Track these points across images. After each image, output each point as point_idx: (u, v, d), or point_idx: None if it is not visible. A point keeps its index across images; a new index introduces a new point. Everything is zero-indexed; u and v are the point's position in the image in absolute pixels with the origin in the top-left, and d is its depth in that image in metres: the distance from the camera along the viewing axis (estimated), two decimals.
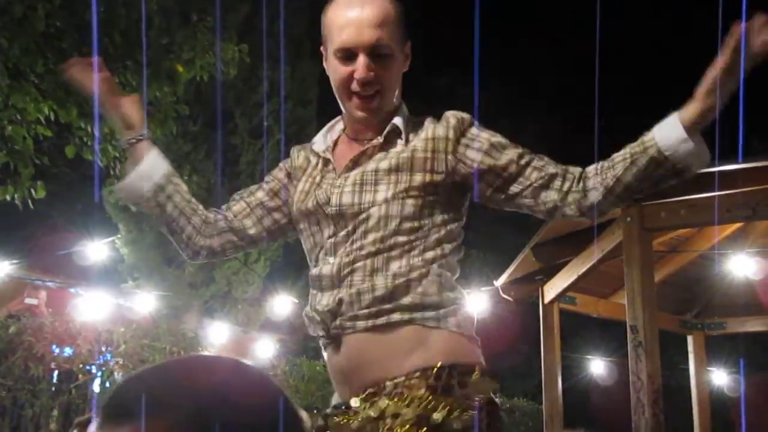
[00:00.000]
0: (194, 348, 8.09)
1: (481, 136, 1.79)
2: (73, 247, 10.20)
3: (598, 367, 11.87)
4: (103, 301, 8.62)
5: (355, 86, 1.77)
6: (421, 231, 1.74)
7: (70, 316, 7.85)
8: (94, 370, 7.43)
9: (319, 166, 1.89)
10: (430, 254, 1.73)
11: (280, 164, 2.01)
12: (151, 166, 1.91)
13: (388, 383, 1.65)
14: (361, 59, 1.74)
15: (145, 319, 8.74)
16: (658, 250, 6.73)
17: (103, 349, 7.52)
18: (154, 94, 6.19)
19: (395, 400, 1.61)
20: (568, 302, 7.36)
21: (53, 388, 7.14)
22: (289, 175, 1.96)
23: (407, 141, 1.80)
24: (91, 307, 8.33)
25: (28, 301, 10.47)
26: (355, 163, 1.82)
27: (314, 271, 1.81)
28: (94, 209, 12.17)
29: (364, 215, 1.73)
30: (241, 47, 6.67)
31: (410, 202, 1.73)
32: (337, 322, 1.74)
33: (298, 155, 1.97)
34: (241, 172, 11.87)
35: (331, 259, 1.77)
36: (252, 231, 1.96)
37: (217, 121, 11.23)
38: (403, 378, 1.64)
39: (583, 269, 6.25)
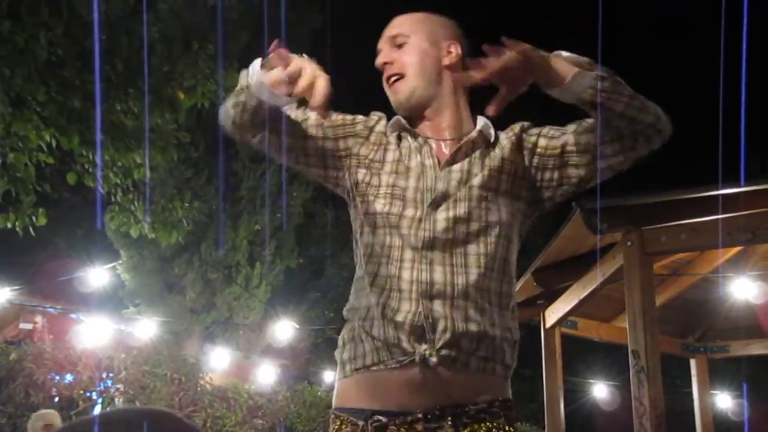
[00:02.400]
0: (195, 374, 8.06)
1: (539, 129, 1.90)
2: (75, 272, 10.20)
3: (600, 391, 11.83)
4: (104, 327, 8.62)
5: (385, 73, 1.90)
6: (507, 266, 1.83)
7: (70, 342, 7.84)
8: (94, 397, 7.41)
9: (412, 145, 1.83)
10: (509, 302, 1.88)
11: (358, 117, 1.90)
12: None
13: (471, 407, 1.69)
14: (382, 49, 1.90)
15: (146, 345, 8.73)
16: (660, 273, 6.72)
17: (104, 375, 7.50)
18: (156, 121, 6.23)
19: (474, 424, 1.68)
20: (570, 326, 7.34)
21: None
22: (368, 135, 1.87)
23: (495, 141, 1.86)
24: (92, 334, 8.33)
25: (23, 326, 10.43)
26: (454, 158, 1.81)
27: (403, 273, 1.71)
28: (96, 235, 12.19)
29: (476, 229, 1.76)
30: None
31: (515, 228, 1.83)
32: (444, 352, 1.67)
33: (378, 122, 1.90)
34: (242, 197, 11.91)
35: (434, 268, 1.70)
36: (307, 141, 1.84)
37: (218, 147, 11.27)
38: (485, 405, 1.70)
39: (585, 293, 6.24)
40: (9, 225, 5.92)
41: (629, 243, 5.18)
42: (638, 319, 5.02)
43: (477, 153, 1.81)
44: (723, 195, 4.75)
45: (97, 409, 7.35)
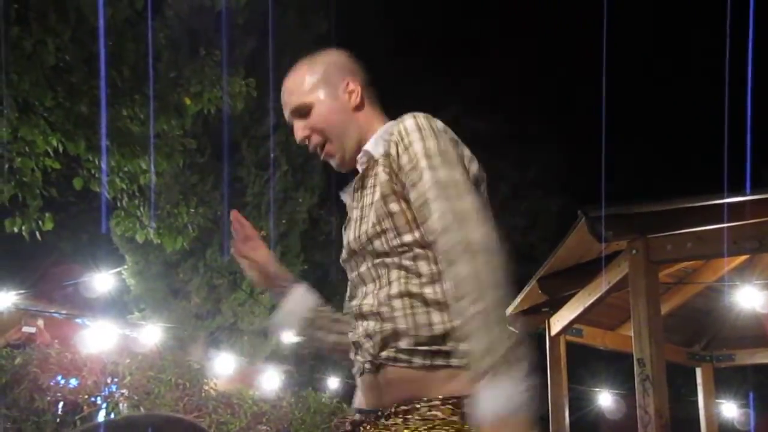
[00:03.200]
0: (199, 380, 8.06)
1: (411, 150, 1.73)
2: (80, 277, 10.23)
3: (605, 399, 11.79)
4: (109, 332, 8.64)
5: (310, 148, 1.92)
6: None
7: (76, 347, 7.85)
8: (99, 402, 7.40)
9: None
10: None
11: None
12: (295, 304, 2.02)
13: (422, 404, 1.64)
14: (292, 124, 1.91)
15: (150, 350, 8.73)
16: (665, 281, 6.71)
17: (109, 380, 7.50)
18: (162, 127, 6.24)
19: (426, 422, 1.61)
20: (575, 334, 7.33)
21: (58, 420, 7.11)
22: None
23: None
24: (98, 338, 8.35)
25: (26, 329, 10.47)
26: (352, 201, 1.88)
27: None
28: (101, 240, 12.22)
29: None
30: (249, 81, 6.74)
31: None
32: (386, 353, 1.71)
33: None
34: (248, 203, 11.93)
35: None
36: None
37: (224, 153, 11.30)
38: (438, 402, 1.63)
39: (590, 301, 6.22)
40: (15, 229, 5.94)
41: (634, 251, 5.17)
42: (643, 327, 5.01)
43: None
44: (729, 203, 4.75)
45: (102, 414, 7.35)
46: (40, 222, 5.99)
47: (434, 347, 1.64)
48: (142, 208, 6.64)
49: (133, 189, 6.47)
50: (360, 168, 1.85)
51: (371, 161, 1.81)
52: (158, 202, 7.04)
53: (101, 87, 5.61)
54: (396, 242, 1.71)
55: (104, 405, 7.40)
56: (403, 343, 1.66)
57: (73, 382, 7.30)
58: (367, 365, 1.72)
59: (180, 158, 6.60)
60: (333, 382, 11.93)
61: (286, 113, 1.92)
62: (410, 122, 1.73)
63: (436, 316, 1.65)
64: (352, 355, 1.80)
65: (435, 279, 1.67)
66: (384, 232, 1.72)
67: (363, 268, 1.79)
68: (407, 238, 1.70)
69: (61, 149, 5.86)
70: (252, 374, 10.80)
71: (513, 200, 18.82)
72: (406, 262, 1.70)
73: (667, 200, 5.21)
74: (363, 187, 1.81)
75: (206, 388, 8.11)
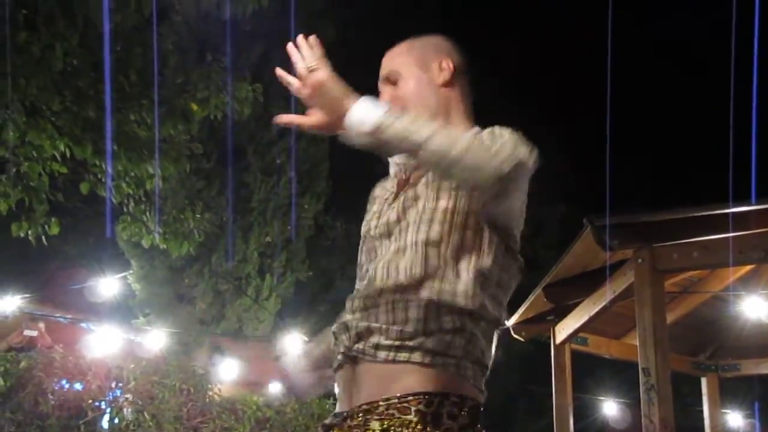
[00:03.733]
0: (204, 385, 8.06)
1: None
2: (86, 282, 10.24)
3: (610, 408, 11.76)
4: (114, 337, 8.64)
5: None
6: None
7: (80, 351, 7.86)
8: (103, 407, 7.41)
9: None
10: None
11: None
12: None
13: (381, 403, 1.61)
14: (382, 91, 1.92)
15: (155, 355, 8.73)
16: (671, 290, 6.69)
17: (113, 385, 7.51)
18: (169, 131, 6.25)
19: (383, 421, 1.58)
20: (580, 343, 7.31)
21: (62, 424, 7.11)
22: None
23: None
24: (102, 343, 8.35)
25: (27, 332, 10.48)
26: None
27: None
28: (107, 244, 12.24)
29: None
30: (255, 87, 6.75)
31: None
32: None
33: None
34: (254, 209, 11.94)
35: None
36: None
37: (229, 159, 11.32)
38: (396, 400, 1.59)
39: (595, 310, 6.22)
40: (22, 234, 5.96)
41: (640, 260, 5.16)
42: (649, 336, 5.00)
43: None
44: (735, 213, 4.74)
45: (106, 419, 7.35)
46: (46, 226, 6.01)
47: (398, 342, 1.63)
48: (148, 213, 6.65)
49: (139, 194, 6.48)
50: None
51: None
52: (164, 207, 7.05)
53: (109, 92, 5.63)
54: None
55: (108, 410, 7.41)
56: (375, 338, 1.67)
57: (78, 386, 7.31)
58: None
59: (187, 163, 6.61)
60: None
61: (380, 84, 1.94)
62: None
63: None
64: None
65: None
66: None
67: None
68: None
69: (68, 154, 5.87)
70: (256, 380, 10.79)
71: None
72: None
73: (673, 209, 5.20)
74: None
75: (210, 393, 8.11)
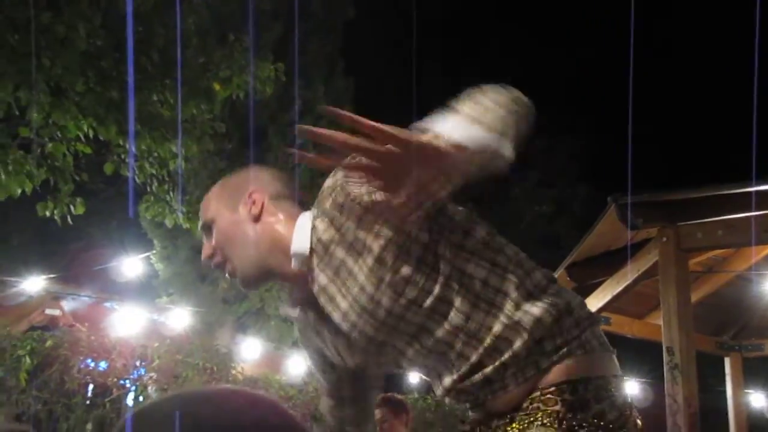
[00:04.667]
0: (227, 364, 8.12)
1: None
2: (109, 262, 10.33)
3: (633, 388, 11.74)
4: (138, 316, 8.72)
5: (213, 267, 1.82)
6: None
7: (105, 330, 7.93)
8: (128, 385, 7.48)
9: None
10: None
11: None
12: None
13: (524, 402, 1.59)
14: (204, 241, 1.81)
15: (179, 334, 8.80)
16: (695, 270, 6.65)
17: (138, 364, 7.58)
18: (191, 111, 6.27)
19: (529, 419, 1.56)
20: (603, 322, 7.29)
21: (88, 402, 7.20)
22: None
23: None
24: (126, 322, 8.43)
25: (49, 311, 10.58)
26: None
27: None
28: (130, 225, 12.33)
29: None
30: (278, 66, 6.75)
31: None
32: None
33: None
34: None
35: None
36: None
37: (251, 139, 11.33)
38: (538, 393, 1.57)
39: (618, 289, 6.20)
40: (48, 213, 6.01)
41: (664, 239, 5.13)
42: (673, 316, 4.98)
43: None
44: (759, 191, 4.69)
45: (131, 397, 7.43)
46: (71, 206, 6.05)
47: None
48: (171, 193, 6.68)
49: (162, 174, 6.51)
50: (300, 269, 1.67)
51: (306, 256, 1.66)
52: (187, 186, 7.09)
53: (132, 72, 5.65)
54: None
55: (133, 388, 7.48)
56: None
57: (103, 365, 7.39)
58: None
59: (210, 142, 6.63)
60: None
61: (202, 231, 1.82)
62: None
63: None
64: None
65: None
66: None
67: None
68: None
69: (91, 134, 5.91)
70: (278, 359, 10.86)
71: (540, 188, 18.74)
72: None
73: (698, 188, 5.16)
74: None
75: (233, 372, 8.17)
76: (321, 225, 1.62)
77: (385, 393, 4.53)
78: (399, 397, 4.67)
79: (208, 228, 1.78)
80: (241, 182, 1.79)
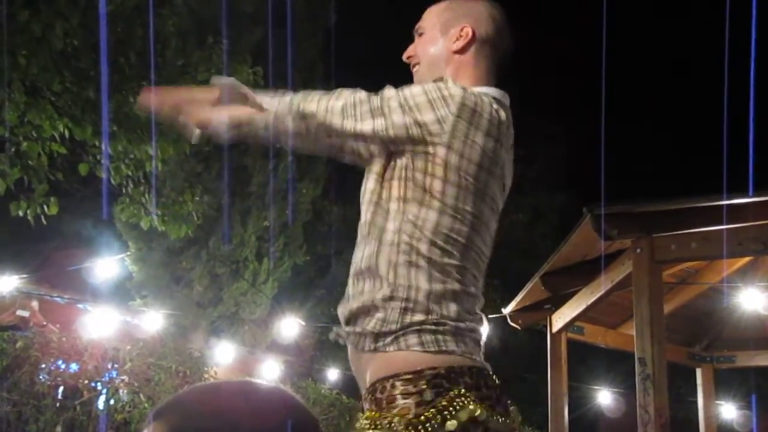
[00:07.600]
0: (200, 368, 8.08)
1: None
2: (83, 262, 10.23)
3: (605, 398, 11.80)
4: (111, 318, 8.64)
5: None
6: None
7: (77, 332, 7.86)
8: (99, 387, 7.42)
9: None
10: None
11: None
12: None
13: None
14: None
15: (152, 337, 8.74)
16: (668, 281, 6.70)
17: (109, 366, 7.52)
18: None
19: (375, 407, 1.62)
20: (576, 332, 7.33)
21: (58, 404, 7.13)
22: None
23: None
24: (99, 324, 8.35)
25: (20, 312, 10.46)
26: None
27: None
28: (104, 226, 12.22)
29: None
30: (256, 70, 6.73)
31: None
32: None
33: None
34: (252, 193, 11.92)
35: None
36: None
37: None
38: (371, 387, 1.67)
39: (592, 299, 6.23)
40: (21, 213, 5.94)
41: (639, 250, 5.16)
42: (645, 326, 5.01)
43: None
44: (734, 205, 4.74)
45: (102, 400, 7.37)
46: (45, 206, 5.99)
47: None
48: (146, 195, 6.64)
49: (138, 176, 6.47)
50: None
51: None
52: (163, 189, 7.04)
53: (106, 73, 5.61)
54: None
55: (104, 390, 7.42)
56: None
57: (74, 366, 7.32)
58: None
59: (187, 144, 6.59)
60: (332, 374, 11.94)
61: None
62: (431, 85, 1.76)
63: None
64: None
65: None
66: None
67: None
68: None
69: (67, 134, 5.86)
70: (252, 363, 10.82)
71: (516, 196, 18.79)
72: None
73: (672, 200, 5.20)
74: None
75: (206, 376, 8.13)
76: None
77: None
78: None
79: (417, 32, 1.99)
80: (465, 10, 1.95)
